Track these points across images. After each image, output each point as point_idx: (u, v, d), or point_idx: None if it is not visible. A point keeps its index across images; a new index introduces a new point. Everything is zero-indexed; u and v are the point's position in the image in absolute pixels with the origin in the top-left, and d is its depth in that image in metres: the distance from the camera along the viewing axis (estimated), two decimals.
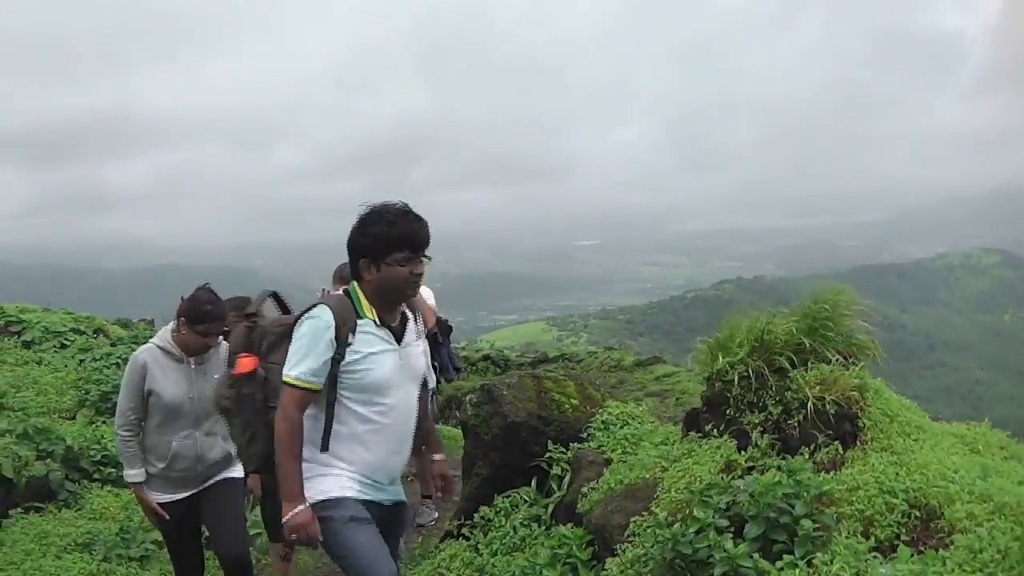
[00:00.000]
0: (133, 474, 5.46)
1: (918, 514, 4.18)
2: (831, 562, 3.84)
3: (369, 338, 3.90)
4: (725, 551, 4.05)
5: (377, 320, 3.93)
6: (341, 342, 3.83)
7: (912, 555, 3.85)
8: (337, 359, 3.84)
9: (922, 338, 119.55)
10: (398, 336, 4.02)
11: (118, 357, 13.76)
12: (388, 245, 3.83)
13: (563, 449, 6.62)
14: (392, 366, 3.95)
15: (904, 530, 4.14)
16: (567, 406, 6.91)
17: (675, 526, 4.39)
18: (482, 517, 6.64)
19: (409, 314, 4.14)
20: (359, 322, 3.88)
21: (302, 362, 3.83)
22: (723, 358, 5.40)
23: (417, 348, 4.17)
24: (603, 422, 6.73)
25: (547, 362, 19.01)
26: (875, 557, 3.86)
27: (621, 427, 6.63)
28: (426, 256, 3.94)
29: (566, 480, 6.30)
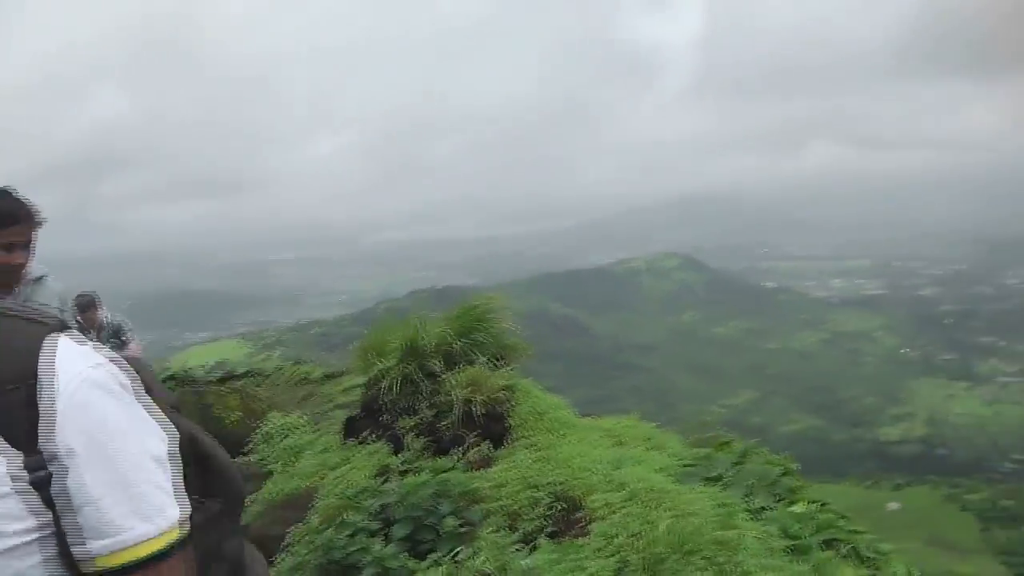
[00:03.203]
0: None
1: (562, 506, 4.38)
2: (475, 557, 3.94)
3: None
4: (373, 553, 4.07)
5: None
6: None
7: (554, 545, 4.01)
8: None
9: (610, 340, 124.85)
10: None
11: None
12: None
13: None
14: None
15: (550, 522, 4.32)
16: (229, 420, 6.76)
17: (327, 531, 4.38)
18: None
19: None
20: None
21: None
22: (379, 364, 5.45)
23: None
24: (265, 434, 6.63)
25: (234, 378, 18.42)
26: (518, 550, 4.00)
27: (283, 438, 6.56)
28: None
29: None
